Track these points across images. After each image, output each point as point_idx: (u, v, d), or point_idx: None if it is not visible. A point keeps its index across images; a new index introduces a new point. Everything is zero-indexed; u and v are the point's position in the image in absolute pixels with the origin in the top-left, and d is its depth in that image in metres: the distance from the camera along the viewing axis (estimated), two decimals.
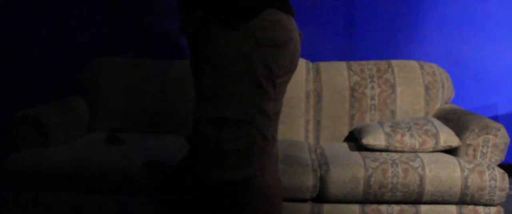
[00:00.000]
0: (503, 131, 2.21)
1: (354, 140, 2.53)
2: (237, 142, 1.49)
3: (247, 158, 1.52)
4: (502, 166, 2.53)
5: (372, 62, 2.73)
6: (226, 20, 1.49)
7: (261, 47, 1.48)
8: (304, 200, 2.18)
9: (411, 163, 2.16)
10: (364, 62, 2.74)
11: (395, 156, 2.22)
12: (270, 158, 1.78)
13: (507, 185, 2.14)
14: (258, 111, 1.51)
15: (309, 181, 2.13)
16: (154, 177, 2.12)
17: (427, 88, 2.64)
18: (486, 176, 2.13)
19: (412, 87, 2.64)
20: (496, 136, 2.21)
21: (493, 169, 2.15)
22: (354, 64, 2.72)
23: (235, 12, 1.49)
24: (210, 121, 1.50)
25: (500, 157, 2.24)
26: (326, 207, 2.18)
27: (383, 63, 2.71)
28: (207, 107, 1.50)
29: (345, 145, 2.51)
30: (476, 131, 2.22)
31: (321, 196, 2.17)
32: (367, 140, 2.30)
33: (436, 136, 2.27)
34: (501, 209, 2.18)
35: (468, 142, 2.24)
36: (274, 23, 1.51)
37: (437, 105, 2.65)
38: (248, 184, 1.54)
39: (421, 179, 2.12)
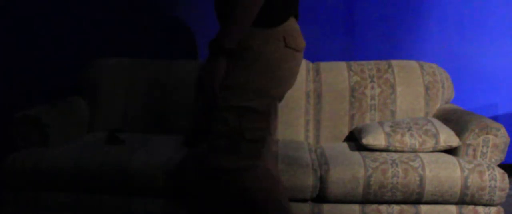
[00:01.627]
0: (503, 131, 2.21)
1: (354, 140, 2.53)
2: (254, 132, 1.62)
3: (257, 149, 1.64)
4: (502, 166, 2.54)
5: (372, 62, 2.73)
6: (260, 23, 1.62)
7: (288, 49, 1.65)
8: (304, 200, 2.18)
9: (411, 163, 2.16)
10: (364, 62, 2.74)
11: (395, 156, 2.22)
12: (271, 156, 1.83)
13: (507, 185, 2.14)
14: (274, 107, 1.67)
15: (309, 181, 2.13)
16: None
17: (427, 88, 2.64)
18: (486, 176, 2.13)
19: (412, 87, 2.64)
20: (496, 136, 2.21)
21: (493, 169, 2.15)
22: (354, 64, 2.72)
23: (268, 17, 1.63)
24: (232, 109, 1.61)
25: (500, 157, 2.23)
26: (326, 207, 2.18)
27: (383, 63, 2.71)
28: (233, 97, 1.62)
29: (345, 145, 2.50)
30: (476, 131, 2.22)
31: (321, 196, 2.17)
32: (367, 140, 2.30)
33: (436, 136, 2.27)
34: (501, 209, 2.18)
35: (468, 142, 2.24)
36: (297, 30, 1.70)
37: (437, 106, 2.65)
38: (254, 172, 1.66)
39: (421, 179, 2.12)
